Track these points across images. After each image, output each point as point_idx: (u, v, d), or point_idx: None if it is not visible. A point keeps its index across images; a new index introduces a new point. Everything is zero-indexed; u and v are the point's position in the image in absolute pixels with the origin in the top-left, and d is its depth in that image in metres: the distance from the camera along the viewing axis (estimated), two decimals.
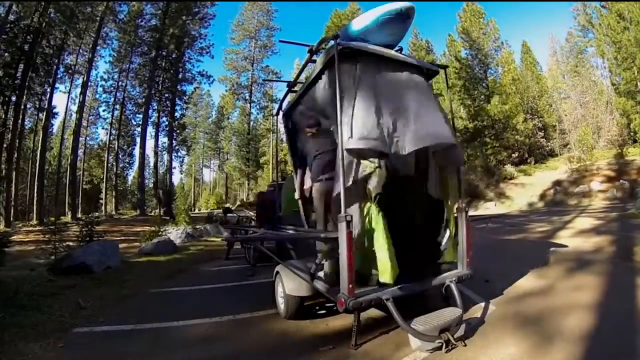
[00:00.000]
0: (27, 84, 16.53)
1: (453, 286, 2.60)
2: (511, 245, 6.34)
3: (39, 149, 19.86)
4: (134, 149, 29.93)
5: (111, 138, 26.75)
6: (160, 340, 2.68)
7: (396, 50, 2.94)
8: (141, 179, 23.68)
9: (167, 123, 23.93)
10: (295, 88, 3.84)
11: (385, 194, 2.49)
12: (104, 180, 27.64)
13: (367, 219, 2.42)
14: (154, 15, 23.03)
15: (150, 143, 27.06)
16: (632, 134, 20.35)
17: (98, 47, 22.83)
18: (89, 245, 5.82)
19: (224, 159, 45.59)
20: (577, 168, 18.14)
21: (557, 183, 17.69)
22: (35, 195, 18.46)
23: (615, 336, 2.22)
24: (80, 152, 26.82)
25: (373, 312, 2.78)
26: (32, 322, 3.00)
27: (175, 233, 10.26)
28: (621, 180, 15.24)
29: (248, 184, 35.28)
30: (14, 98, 15.84)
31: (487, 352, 2.12)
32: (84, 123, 28.25)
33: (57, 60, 19.04)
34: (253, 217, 8.00)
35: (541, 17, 58.24)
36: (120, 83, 25.07)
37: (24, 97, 17.15)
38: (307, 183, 3.06)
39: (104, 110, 26.97)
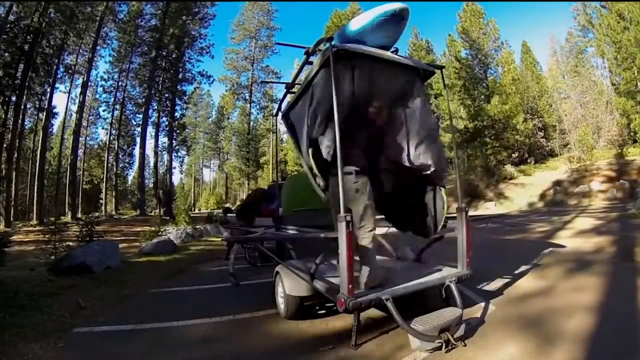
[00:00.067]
0: (27, 84, 16.53)
1: (453, 286, 2.60)
2: (511, 245, 6.34)
3: (39, 149, 19.87)
4: (134, 149, 29.96)
5: (111, 138, 26.77)
6: (160, 340, 2.68)
7: (392, 52, 2.95)
8: (141, 179, 23.70)
9: (167, 123, 23.95)
10: (294, 89, 3.84)
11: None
12: (104, 180, 27.66)
13: None
14: (154, 15, 23.05)
15: (150, 143, 27.03)
16: (632, 134, 20.36)
17: (98, 47, 22.86)
18: (89, 245, 5.81)
19: (224, 159, 45.65)
20: (577, 168, 18.14)
21: (557, 183, 17.70)
22: (35, 195, 18.47)
23: (616, 337, 2.22)
24: (80, 152, 26.84)
25: (373, 312, 2.78)
26: (32, 322, 2.99)
27: (175, 233, 10.25)
28: (621, 180, 15.25)
29: (248, 184, 35.29)
30: (14, 98, 15.85)
31: (487, 352, 2.12)
32: (84, 123, 28.27)
33: (57, 60, 19.05)
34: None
35: (541, 17, 58.32)
36: (120, 83, 25.10)
37: (24, 97, 17.15)
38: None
39: (104, 110, 27.03)
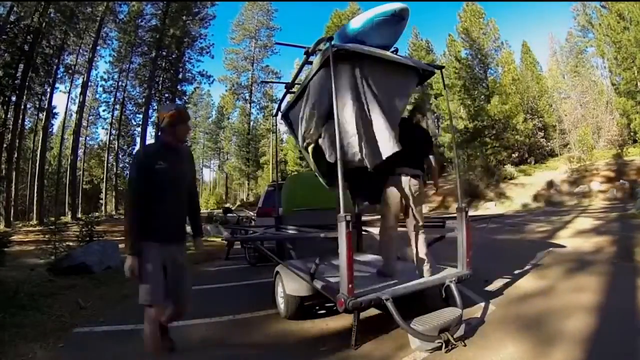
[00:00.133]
0: (27, 84, 16.53)
1: (453, 286, 2.60)
2: (511, 245, 6.34)
3: (39, 149, 19.88)
4: (134, 149, 29.95)
5: (111, 138, 26.80)
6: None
7: (392, 52, 2.95)
8: None
9: None
10: (294, 89, 3.85)
11: None
12: (104, 180, 27.67)
13: None
14: (154, 16, 23.05)
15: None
16: (632, 134, 20.34)
17: (98, 47, 22.87)
18: (89, 245, 5.81)
19: (224, 159, 45.66)
20: (577, 168, 18.13)
21: (558, 183, 17.69)
22: (35, 195, 18.48)
23: (616, 337, 2.22)
24: (80, 152, 26.84)
25: (373, 312, 2.78)
26: (32, 322, 2.99)
27: None
28: (621, 181, 15.24)
29: (248, 184, 35.30)
30: (14, 98, 15.85)
31: (487, 352, 2.12)
32: (84, 123, 28.28)
33: (57, 60, 19.06)
34: (253, 217, 8.00)
35: (541, 17, 58.27)
36: (120, 83, 25.13)
37: (24, 97, 17.15)
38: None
39: (104, 110, 27.07)
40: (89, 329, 2.97)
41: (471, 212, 3.97)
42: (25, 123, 21.55)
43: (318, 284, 2.61)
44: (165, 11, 22.27)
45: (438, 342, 2.14)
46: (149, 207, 1.96)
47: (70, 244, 5.98)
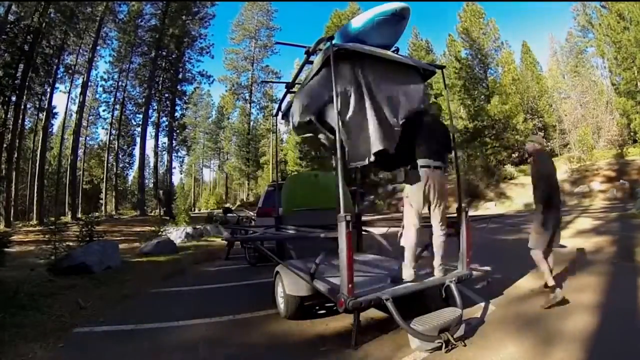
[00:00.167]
0: (27, 84, 16.54)
1: (453, 286, 2.60)
2: (511, 245, 6.34)
3: (39, 149, 19.88)
4: (134, 149, 30.00)
5: (111, 138, 26.79)
6: (160, 341, 2.68)
7: (392, 51, 2.95)
8: (141, 179, 23.70)
9: (167, 123, 23.94)
10: (294, 89, 3.85)
11: None
12: (104, 180, 27.67)
13: None
14: (154, 15, 23.06)
15: (150, 143, 27.07)
16: (632, 134, 20.34)
17: (98, 47, 22.87)
18: (89, 245, 5.81)
19: (224, 159, 45.68)
20: (577, 168, 18.13)
21: (558, 183, 17.68)
22: (35, 195, 18.47)
23: (617, 337, 2.22)
24: (80, 152, 26.85)
25: (373, 312, 2.78)
26: (32, 322, 3.00)
27: (175, 233, 10.26)
28: (621, 181, 15.23)
29: (248, 184, 35.32)
30: (14, 98, 15.85)
31: (487, 352, 2.12)
32: (84, 123, 28.28)
33: (57, 60, 19.06)
34: (253, 217, 8.00)
35: (541, 17, 58.30)
36: (120, 83, 25.12)
37: (24, 97, 17.16)
38: None
39: (104, 110, 27.07)
40: (89, 329, 2.97)
41: (471, 212, 3.97)
42: (25, 123, 21.57)
43: (318, 284, 2.60)
44: (164, 11, 22.27)
45: (438, 342, 2.14)
46: None
47: (70, 244, 5.98)
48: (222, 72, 36.34)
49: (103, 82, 25.17)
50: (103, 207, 27.57)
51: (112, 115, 26.11)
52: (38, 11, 15.83)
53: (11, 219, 16.26)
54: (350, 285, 2.18)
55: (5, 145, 16.24)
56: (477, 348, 2.18)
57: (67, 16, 17.48)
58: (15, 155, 17.88)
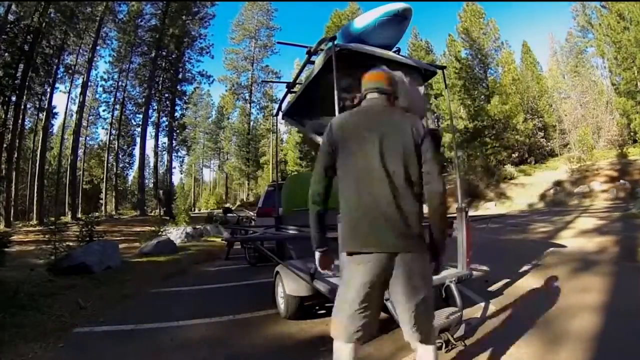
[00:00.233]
0: (27, 84, 16.53)
1: (453, 286, 2.60)
2: (512, 245, 6.34)
3: (39, 149, 19.87)
4: (134, 149, 30.01)
5: (111, 138, 26.79)
6: (160, 341, 2.68)
7: (394, 51, 2.95)
8: (141, 179, 23.69)
9: (167, 123, 23.95)
10: (295, 89, 3.84)
11: None
12: (104, 180, 27.67)
13: None
14: (154, 15, 23.05)
15: (150, 143, 27.10)
16: (632, 134, 20.35)
17: (98, 47, 22.87)
18: (89, 245, 5.81)
19: (224, 159, 45.69)
20: (578, 168, 18.13)
21: (558, 183, 17.69)
22: (35, 195, 18.47)
23: (621, 338, 2.20)
24: (80, 152, 26.85)
25: None
26: (32, 322, 2.99)
27: (175, 233, 10.25)
28: (622, 181, 15.23)
29: (248, 184, 35.31)
30: (14, 98, 15.85)
31: (487, 352, 2.12)
32: (84, 123, 28.28)
33: (57, 60, 19.06)
34: (253, 217, 8.00)
35: (541, 17, 58.29)
36: (120, 83, 25.12)
37: (24, 97, 17.16)
38: None
39: (104, 110, 27.07)
40: (89, 329, 2.97)
41: (471, 212, 3.97)
42: (25, 123, 21.58)
43: (318, 284, 2.60)
44: (164, 11, 22.28)
45: (438, 342, 2.14)
46: None
47: (70, 244, 5.97)
48: (222, 72, 36.41)
49: (103, 82, 25.22)
50: (103, 207, 27.56)
51: (112, 115, 26.12)
52: (38, 11, 15.82)
53: (11, 219, 16.25)
54: None
55: (5, 145, 16.23)
56: (477, 348, 2.18)
57: (67, 16, 17.47)
58: (15, 155, 17.88)
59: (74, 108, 24.10)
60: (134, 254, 7.59)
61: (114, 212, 26.02)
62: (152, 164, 27.02)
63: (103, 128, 28.76)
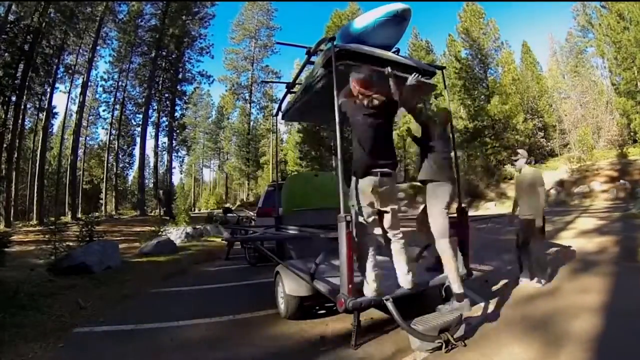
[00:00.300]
0: (27, 84, 16.52)
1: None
2: (512, 245, 6.31)
3: (39, 149, 19.86)
4: (134, 149, 29.95)
5: (111, 138, 26.77)
6: (160, 341, 2.68)
7: (393, 52, 2.95)
8: (141, 179, 23.68)
9: (167, 123, 23.93)
10: (295, 89, 3.85)
11: None
12: (104, 180, 27.65)
13: None
14: (154, 15, 23.04)
15: (150, 143, 27.06)
16: (632, 134, 20.34)
17: (98, 47, 22.85)
18: (89, 245, 5.81)
19: (224, 159, 45.66)
20: (578, 168, 18.13)
21: (558, 183, 17.69)
22: (35, 195, 18.46)
23: (622, 339, 2.20)
24: (80, 152, 26.82)
25: (373, 312, 2.78)
26: (32, 322, 3.00)
27: (175, 233, 10.25)
28: (622, 181, 15.23)
29: (248, 184, 35.29)
30: (14, 98, 15.84)
31: (487, 352, 2.12)
32: (84, 123, 28.26)
33: (57, 60, 19.04)
34: (253, 217, 8.00)
35: (541, 17, 58.23)
36: (120, 83, 25.10)
37: (24, 97, 17.14)
38: None
39: (104, 110, 27.03)
40: (89, 329, 2.97)
41: (471, 212, 3.97)
42: (25, 123, 21.53)
43: (318, 284, 2.60)
44: (164, 11, 22.26)
45: (438, 342, 2.14)
46: None
47: (70, 244, 5.98)
48: (222, 72, 36.34)
49: (103, 82, 25.18)
50: (103, 207, 27.55)
51: (112, 115, 26.10)
52: (38, 11, 15.82)
53: (11, 219, 16.25)
54: (350, 286, 2.18)
55: (5, 145, 16.22)
56: (477, 348, 2.18)
57: (67, 16, 17.47)
58: (15, 155, 17.87)
59: (74, 108, 24.11)
60: (134, 254, 7.59)
61: (114, 212, 26.02)
62: (152, 164, 27.02)
63: (103, 128, 28.76)
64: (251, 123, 35.95)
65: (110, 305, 3.70)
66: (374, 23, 2.70)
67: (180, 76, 23.98)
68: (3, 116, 15.56)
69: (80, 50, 22.49)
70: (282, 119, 4.36)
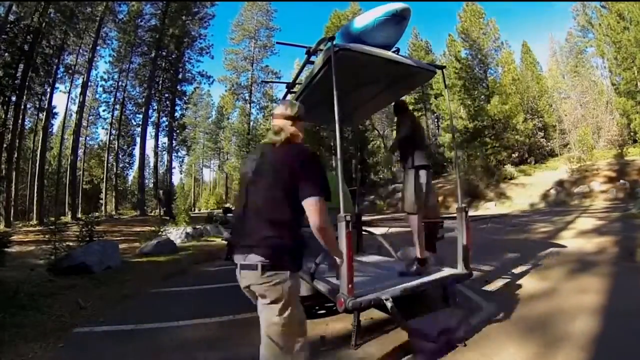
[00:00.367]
0: (27, 84, 16.53)
1: (453, 286, 2.60)
2: (513, 245, 6.33)
3: (39, 149, 19.87)
4: (134, 149, 29.96)
5: (111, 138, 26.78)
6: (160, 341, 2.68)
7: (393, 51, 2.95)
8: (141, 179, 23.68)
9: (167, 123, 23.94)
10: (295, 89, 3.85)
11: None
12: (104, 180, 27.65)
13: None
14: (154, 15, 23.04)
15: (150, 143, 27.05)
16: (632, 134, 20.35)
17: (98, 47, 22.86)
18: (89, 245, 5.82)
19: (224, 159, 45.67)
20: (578, 168, 18.13)
21: (558, 183, 17.69)
22: (35, 195, 18.47)
23: (621, 339, 2.20)
24: (80, 152, 26.83)
25: (373, 312, 2.78)
26: (32, 322, 3.00)
27: (175, 233, 10.25)
28: (621, 181, 15.23)
29: None
30: (14, 98, 15.84)
31: (487, 352, 2.12)
32: (84, 123, 28.27)
33: (57, 60, 19.06)
34: None
35: (541, 17, 58.27)
36: (120, 83, 25.11)
37: (24, 97, 17.15)
38: None
39: (104, 110, 27.05)
40: (89, 329, 2.97)
41: (471, 212, 3.97)
42: (25, 123, 21.55)
43: (318, 284, 2.60)
44: (164, 11, 22.27)
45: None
46: None
47: (70, 244, 5.98)
48: (222, 72, 36.34)
49: (103, 82, 25.20)
50: (103, 207, 27.55)
51: (112, 115, 26.11)
52: (38, 11, 15.82)
53: (11, 219, 16.25)
54: (350, 285, 2.18)
55: (5, 145, 16.23)
56: (477, 348, 2.18)
57: (67, 16, 17.48)
58: (15, 155, 17.87)
59: (74, 108, 24.13)
60: (134, 254, 7.59)
61: (114, 212, 26.02)
62: (152, 164, 27.01)
63: (103, 128, 28.76)
64: (251, 123, 35.92)
65: (110, 305, 3.70)
66: (374, 22, 2.70)
67: (180, 76, 23.99)
68: (3, 116, 15.56)
69: (80, 50, 22.51)
70: None
